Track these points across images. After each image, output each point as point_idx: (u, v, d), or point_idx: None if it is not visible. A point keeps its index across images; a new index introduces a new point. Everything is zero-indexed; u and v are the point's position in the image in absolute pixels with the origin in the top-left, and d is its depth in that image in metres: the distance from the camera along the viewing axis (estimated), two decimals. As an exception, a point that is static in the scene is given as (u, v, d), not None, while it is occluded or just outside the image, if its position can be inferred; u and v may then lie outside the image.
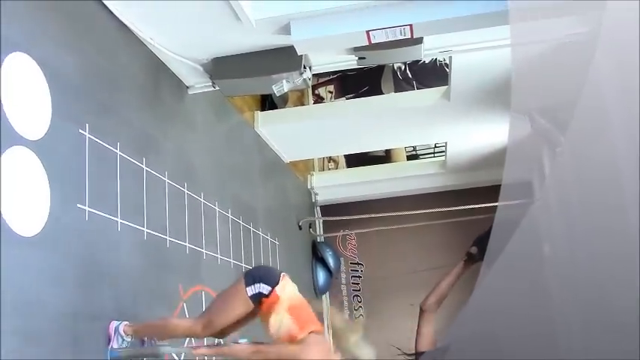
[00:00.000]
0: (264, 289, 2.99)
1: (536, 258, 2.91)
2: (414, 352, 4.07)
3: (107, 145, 3.34)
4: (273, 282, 3.02)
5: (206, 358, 3.81)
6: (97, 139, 3.23)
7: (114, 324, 3.16)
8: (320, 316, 8.71)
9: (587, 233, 2.73)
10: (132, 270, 3.49)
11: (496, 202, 3.56)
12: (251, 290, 3.00)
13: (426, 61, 8.13)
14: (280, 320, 2.93)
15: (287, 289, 3.03)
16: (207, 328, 3.10)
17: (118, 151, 3.45)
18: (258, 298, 3.00)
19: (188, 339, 3.78)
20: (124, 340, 3.15)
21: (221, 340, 3.33)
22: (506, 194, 3.29)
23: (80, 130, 3.10)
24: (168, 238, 3.96)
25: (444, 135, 7.23)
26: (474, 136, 6.81)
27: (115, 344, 3.12)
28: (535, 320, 2.92)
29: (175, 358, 3.82)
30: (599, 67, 2.42)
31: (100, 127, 3.27)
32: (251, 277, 3.06)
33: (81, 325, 2.91)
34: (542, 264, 2.92)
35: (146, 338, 3.37)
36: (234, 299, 3.06)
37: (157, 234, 3.81)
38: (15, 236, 2.51)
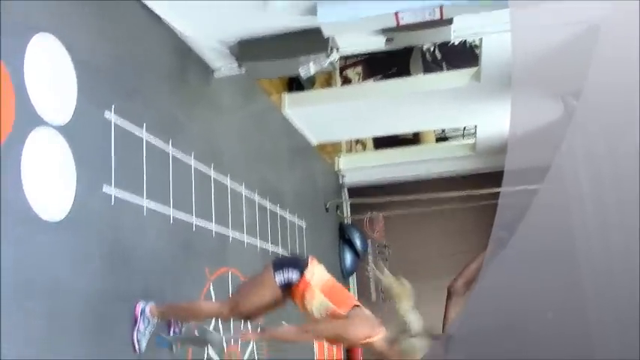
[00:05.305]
0: (293, 275, 2.99)
1: (555, 241, 2.84)
2: (441, 334, 4.04)
3: (133, 128, 3.34)
4: (301, 267, 3.02)
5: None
6: (123, 122, 3.23)
7: (140, 305, 3.18)
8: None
9: (614, 215, 2.67)
10: (158, 253, 3.51)
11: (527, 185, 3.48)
12: (279, 277, 3.00)
13: (456, 43, 7.98)
14: (319, 303, 2.94)
15: (316, 274, 3.03)
16: (233, 312, 3.12)
17: (144, 134, 3.45)
18: (287, 285, 3.00)
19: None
20: (149, 321, 3.18)
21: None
22: (534, 178, 3.22)
23: (106, 113, 3.11)
24: (194, 222, 3.96)
25: (474, 117, 7.12)
26: (505, 117, 6.67)
27: (141, 326, 3.14)
28: (552, 303, 2.86)
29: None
30: (632, 49, 2.35)
31: (126, 110, 3.27)
32: (279, 264, 3.07)
33: (108, 307, 2.93)
34: (562, 247, 2.85)
35: (172, 320, 3.39)
36: (262, 285, 3.06)
37: (183, 217, 3.82)
38: (41, 221, 2.53)
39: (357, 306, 2.96)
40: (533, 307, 2.86)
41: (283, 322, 3.12)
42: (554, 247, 2.90)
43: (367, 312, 2.95)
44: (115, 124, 3.16)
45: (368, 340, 2.87)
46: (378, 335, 2.87)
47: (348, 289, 8.67)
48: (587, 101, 2.64)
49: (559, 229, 2.91)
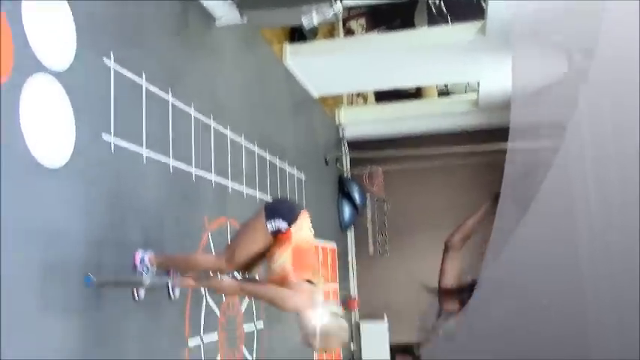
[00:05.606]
0: (282, 225, 3.00)
1: (567, 206, 2.85)
2: (437, 288, 4.08)
3: (133, 76, 3.30)
4: (291, 219, 3.03)
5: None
6: (122, 70, 3.19)
7: (139, 253, 3.20)
8: (345, 251, 8.79)
9: (621, 180, 2.66)
10: (158, 202, 3.51)
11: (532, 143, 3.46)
12: (270, 225, 3.01)
13: (462, -5, 7.84)
14: (281, 257, 2.98)
15: (302, 231, 3.06)
16: (230, 263, 3.13)
17: (143, 82, 3.41)
18: (275, 233, 3.02)
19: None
20: (149, 269, 3.20)
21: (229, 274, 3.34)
22: (536, 136, 3.20)
23: (105, 60, 3.06)
24: (194, 172, 3.96)
25: (478, 71, 7.04)
26: (509, 73, 6.60)
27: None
28: (563, 268, 2.89)
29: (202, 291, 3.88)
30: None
31: (126, 57, 3.22)
32: (271, 212, 3.07)
33: (107, 255, 2.95)
34: (574, 212, 2.86)
35: (171, 270, 3.42)
36: (255, 233, 3.07)
37: (182, 166, 3.81)
38: (41, 167, 2.52)
39: (310, 281, 2.98)
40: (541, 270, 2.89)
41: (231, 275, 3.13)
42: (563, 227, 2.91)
43: (313, 291, 2.96)
44: (114, 71, 3.12)
45: (299, 312, 2.93)
46: (308, 313, 2.90)
47: (346, 243, 8.75)
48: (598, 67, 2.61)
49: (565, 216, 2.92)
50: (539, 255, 2.90)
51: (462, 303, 3.86)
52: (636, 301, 2.56)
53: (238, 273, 3.35)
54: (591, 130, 2.82)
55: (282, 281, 2.96)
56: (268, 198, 5.30)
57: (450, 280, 4.00)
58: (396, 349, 8.29)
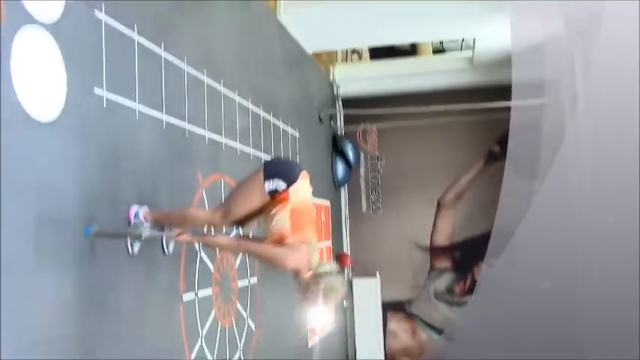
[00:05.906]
0: (280, 186, 3.00)
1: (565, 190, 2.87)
2: (429, 245, 4.13)
3: (124, 29, 3.24)
4: (291, 180, 3.03)
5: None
6: (113, 23, 3.13)
7: (134, 208, 3.20)
8: (338, 209, 8.80)
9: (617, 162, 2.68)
10: (151, 157, 3.49)
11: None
12: (268, 185, 3.01)
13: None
14: (279, 220, 3.01)
15: (300, 193, 3.06)
16: (225, 218, 3.14)
17: (135, 36, 3.35)
18: (272, 193, 3.02)
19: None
20: (143, 224, 3.20)
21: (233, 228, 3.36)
22: (532, 93, 3.19)
23: (96, 13, 3.00)
24: (187, 127, 3.93)
25: (474, 28, 6.97)
26: (505, 30, 6.55)
27: (135, 229, 3.17)
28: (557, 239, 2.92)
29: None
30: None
31: (117, 9, 3.16)
32: (271, 171, 3.06)
33: (101, 209, 2.94)
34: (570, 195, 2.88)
35: (166, 225, 3.42)
36: (252, 191, 3.07)
37: (176, 122, 3.78)
38: (32, 121, 2.48)
39: (303, 241, 3.03)
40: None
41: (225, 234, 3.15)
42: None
43: (310, 252, 3.03)
44: (105, 23, 3.06)
45: (295, 272, 3.04)
46: (305, 273, 3.02)
47: (339, 200, 8.78)
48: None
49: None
50: (540, 249, 2.94)
51: (454, 261, 3.91)
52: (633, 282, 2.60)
53: (232, 228, 3.37)
54: (591, 122, 2.82)
55: (280, 242, 3.01)
56: (262, 155, 5.28)
57: (443, 238, 4.04)
58: (387, 306, 8.41)
